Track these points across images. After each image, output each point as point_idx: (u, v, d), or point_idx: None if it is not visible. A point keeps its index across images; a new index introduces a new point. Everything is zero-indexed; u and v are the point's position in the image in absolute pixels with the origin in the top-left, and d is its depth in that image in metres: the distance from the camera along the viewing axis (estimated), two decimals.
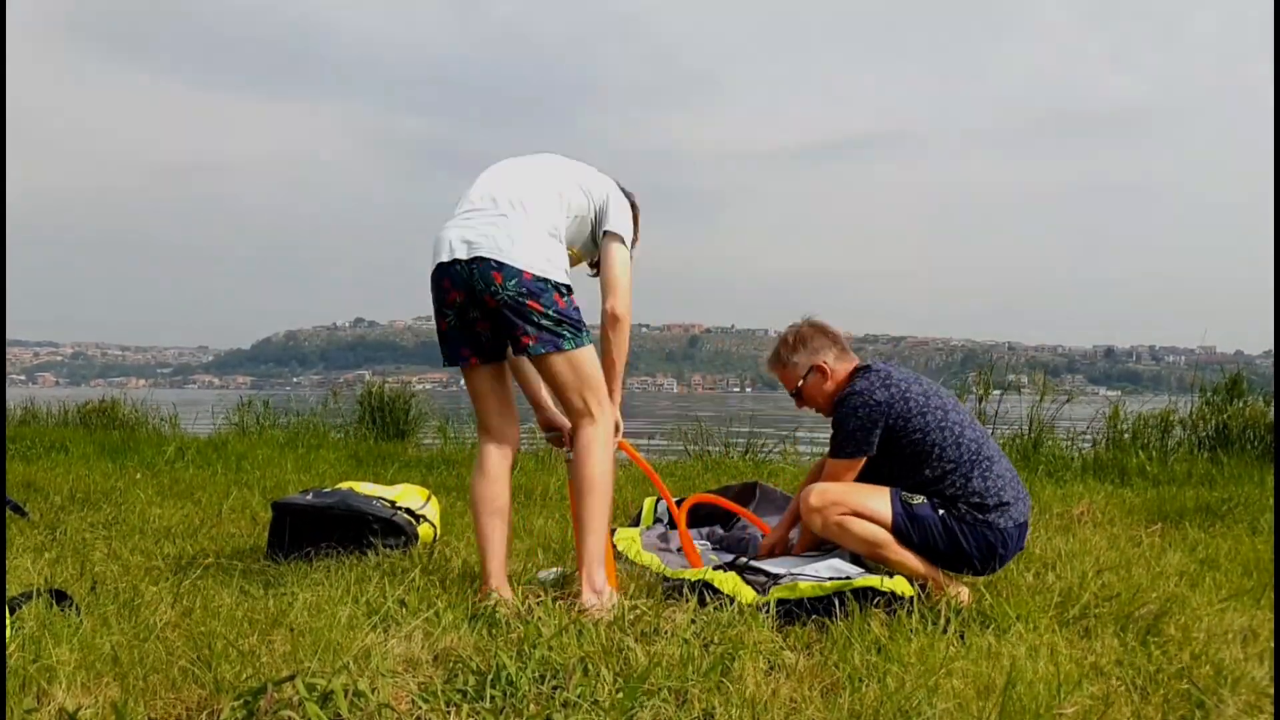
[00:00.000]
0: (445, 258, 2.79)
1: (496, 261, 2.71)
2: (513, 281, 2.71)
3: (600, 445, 2.82)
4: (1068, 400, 7.50)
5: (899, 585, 2.77)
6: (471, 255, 2.74)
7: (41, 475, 5.93)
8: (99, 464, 6.88)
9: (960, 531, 2.91)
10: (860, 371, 3.16)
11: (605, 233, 2.94)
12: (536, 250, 2.75)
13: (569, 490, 2.91)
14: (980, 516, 2.93)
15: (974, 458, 2.96)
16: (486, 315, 2.79)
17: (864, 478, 3.06)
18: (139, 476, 6.16)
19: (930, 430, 2.97)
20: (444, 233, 2.84)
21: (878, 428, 2.98)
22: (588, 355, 2.83)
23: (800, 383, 3.21)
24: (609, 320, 2.90)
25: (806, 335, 3.23)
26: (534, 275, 2.73)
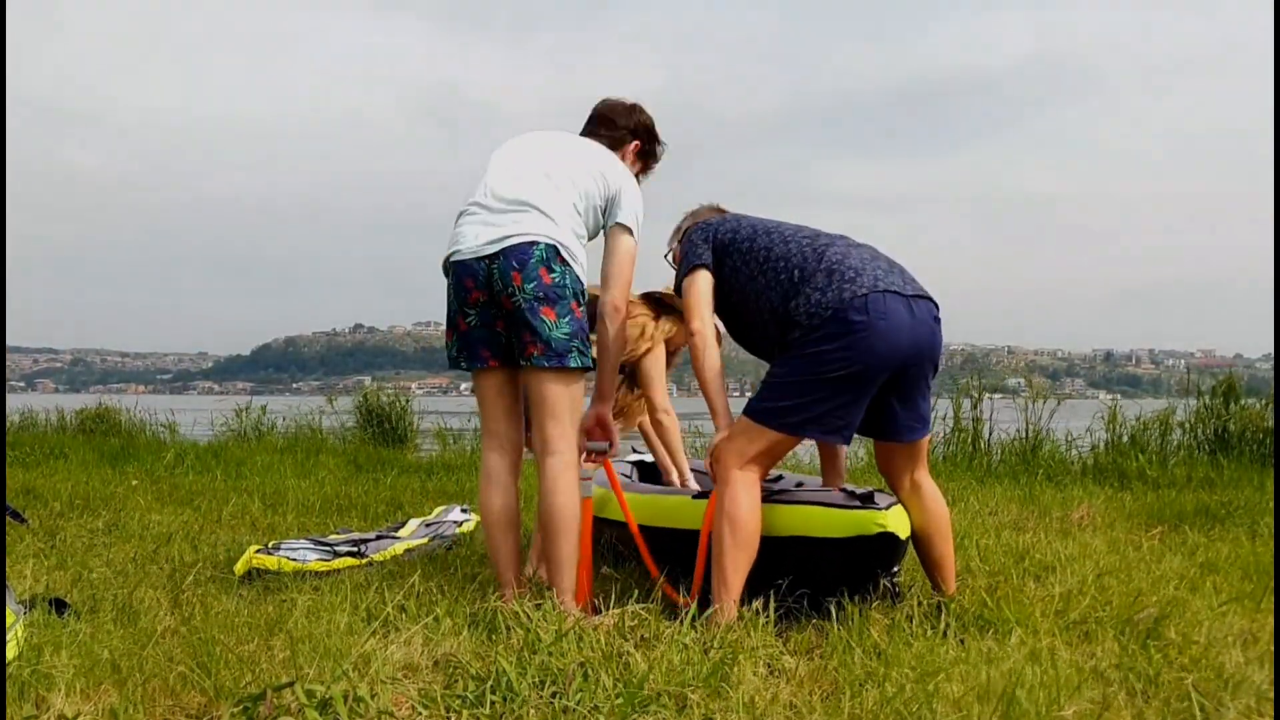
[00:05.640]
0: (467, 254, 2.73)
1: (517, 261, 2.66)
2: (531, 285, 2.66)
3: (570, 477, 2.75)
4: (1057, 405, 7.45)
5: (902, 527, 2.71)
6: (493, 253, 2.69)
7: (41, 481, 5.93)
8: (98, 470, 6.88)
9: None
10: None
11: (616, 224, 2.86)
12: (557, 252, 2.71)
13: (537, 522, 2.85)
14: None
15: None
16: (504, 316, 2.74)
17: None
18: (136, 483, 6.16)
19: None
20: (463, 226, 2.78)
21: None
22: (581, 384, 2.79)
23: None
24: (609, 311, 2.85)
25: None
26: (553, 280, 2.68)
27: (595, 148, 2.99)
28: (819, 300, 2.66)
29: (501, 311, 2.74)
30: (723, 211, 3.20)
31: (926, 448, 2.94)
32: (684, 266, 2.93)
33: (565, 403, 2.75)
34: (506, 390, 2.86)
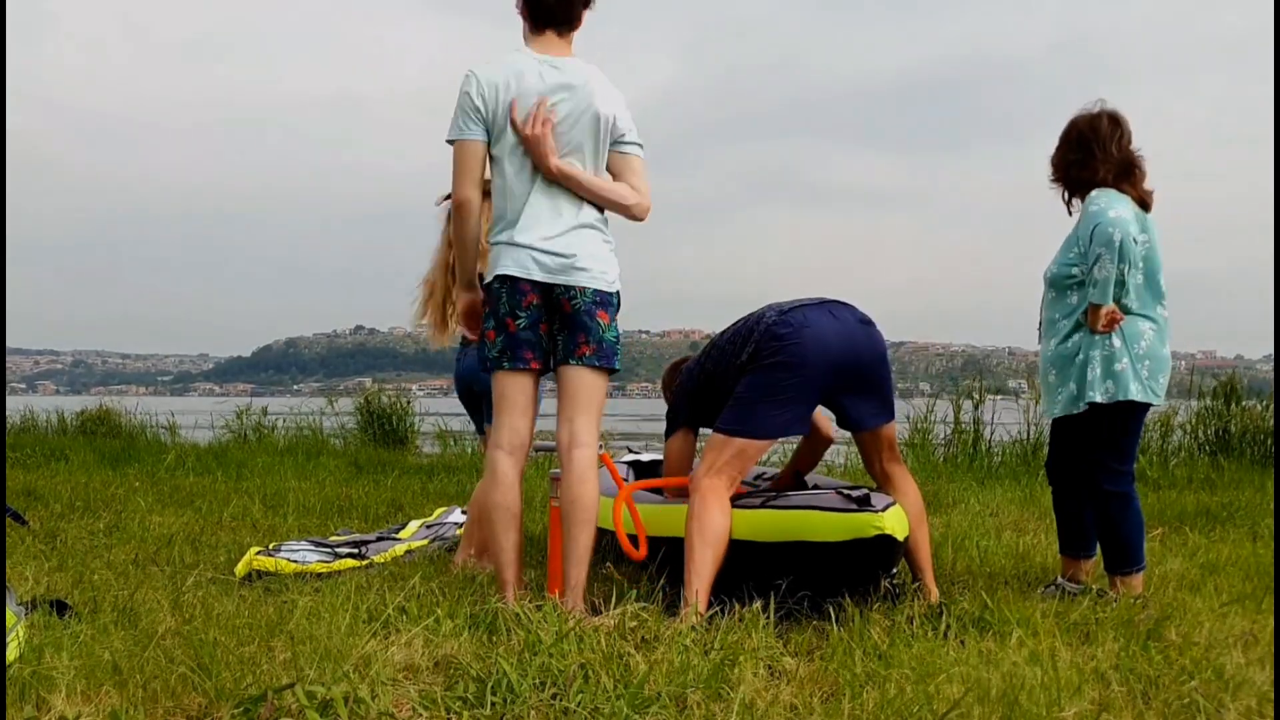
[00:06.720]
0: (524, 275, 2.79)
1: (580, 275, 2.80)
2: (591, 290, 2.81)
3: (595, 471, 2.87)
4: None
5: (899, 528, 2.76)
6: (555, 273, 2.78)
7: (41, 483, 5.93)
8: (99, 472, 6.88)
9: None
10: None
11: (631, 144, 2.92)
12: (609, 262, 2.87)
13: (560, 515, 2.89)
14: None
15: None
16: (559, 319, 2.84)
17: None
18: (138, 484, 6.16)
19: None
20: (519, 251, 2.80)
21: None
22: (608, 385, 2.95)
23: None
24: (639, 210, 2.93)
25: None
26: (608, 288, 2.85)
27: (598, 88, 2.88)
28: (754, 337, 3.04)
29: (559, 315, 2.83)
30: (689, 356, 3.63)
31: (893, 435, 3.18)
32: (670, 423, 3.42)
33: (599, 400, 2.90)
34: (533, 392, 2.93)
